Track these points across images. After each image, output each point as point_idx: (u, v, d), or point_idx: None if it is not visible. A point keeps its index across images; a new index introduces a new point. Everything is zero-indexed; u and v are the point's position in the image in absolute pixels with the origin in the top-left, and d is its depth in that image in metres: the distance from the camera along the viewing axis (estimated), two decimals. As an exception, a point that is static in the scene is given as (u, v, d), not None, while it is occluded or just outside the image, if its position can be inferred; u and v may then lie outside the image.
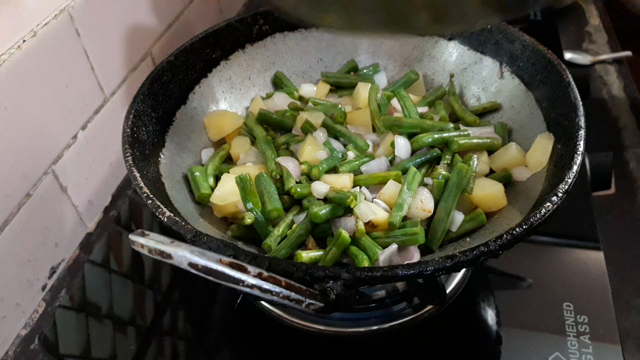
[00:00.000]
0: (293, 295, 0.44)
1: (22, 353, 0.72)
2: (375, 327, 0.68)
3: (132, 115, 0.67)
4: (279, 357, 0.70)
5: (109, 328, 0.74)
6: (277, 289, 0.43)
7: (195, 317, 0.75)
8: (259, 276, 0.42)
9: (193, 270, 0.40)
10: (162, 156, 0.72)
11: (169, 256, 0.40)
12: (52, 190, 0.78)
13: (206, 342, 0.71)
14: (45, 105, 0.74)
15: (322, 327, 0.68)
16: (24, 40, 0.69)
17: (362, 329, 0.68)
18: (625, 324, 0.67)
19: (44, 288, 0.78)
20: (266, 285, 0.42)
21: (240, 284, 0.41)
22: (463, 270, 0.73)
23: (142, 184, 0.59)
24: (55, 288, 0.79)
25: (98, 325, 0.74)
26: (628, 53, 1.14)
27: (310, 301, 0.45)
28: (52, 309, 0.77)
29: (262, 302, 0.71)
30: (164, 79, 0.76)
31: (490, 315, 0.70)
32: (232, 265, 0.41)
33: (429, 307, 0.69)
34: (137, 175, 0.60)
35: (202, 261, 0.40)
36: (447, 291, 0.70)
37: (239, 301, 0.74)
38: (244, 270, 0.41)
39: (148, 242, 0.41)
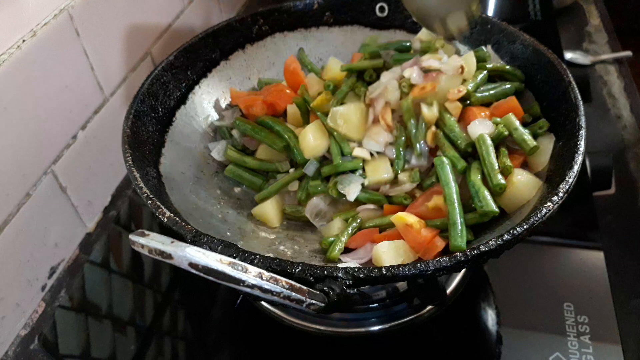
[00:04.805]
0: (294, 295, 0.44)
1: (22, 353, 0.72)
2: (375, 328, 0.68)
3: (132, 116, 0.67)
4: (279, 357, 0.70)
5: (109, 328, 0.74)
6: (277, 289, 0.43)
7: (195, 317, 0.75)
8: (260, 276, 0.42)
9: (193, 271, 0.40)
10: (162, 156, 0.72)
11: (169, 256, 0.40)
12: (52, 190, 0.77)
13: (206, 342, 0.71)
14: (44, 105, 0.74)
15: (322, 327, 0.68)
16: (24, 40, 0.69)
17: (362, 329, 0.68)
18: (625, 324, 0.67)
19: (43, 288, 0.78)
20: (267, 285, 0.42)
21: (241, 284, 0.41)
22: (463, 271, 0.73)
23: (142, 184, 0.58)
24: (54, 288, 0.79)
25: (98, 325, 0.74)
26: (628, 53, 1.14)
27: (311, 301, 0.45)
28: (51, 309, 0.77)
29: (262, 302, 0.71)
30: (164, 79, 0.75)
31: (490, 316, 0.70)
32: (232, 265, 0.41)
33: (429, 307, 0.69)
34: (137, 175, 0.60)
35: (202, 261, 0.39)
36: (448, 291, 0.70)
37: (239, 301, 0.74)
38: (244, 270, 0.41)
39: (148, 242, 0.40)
